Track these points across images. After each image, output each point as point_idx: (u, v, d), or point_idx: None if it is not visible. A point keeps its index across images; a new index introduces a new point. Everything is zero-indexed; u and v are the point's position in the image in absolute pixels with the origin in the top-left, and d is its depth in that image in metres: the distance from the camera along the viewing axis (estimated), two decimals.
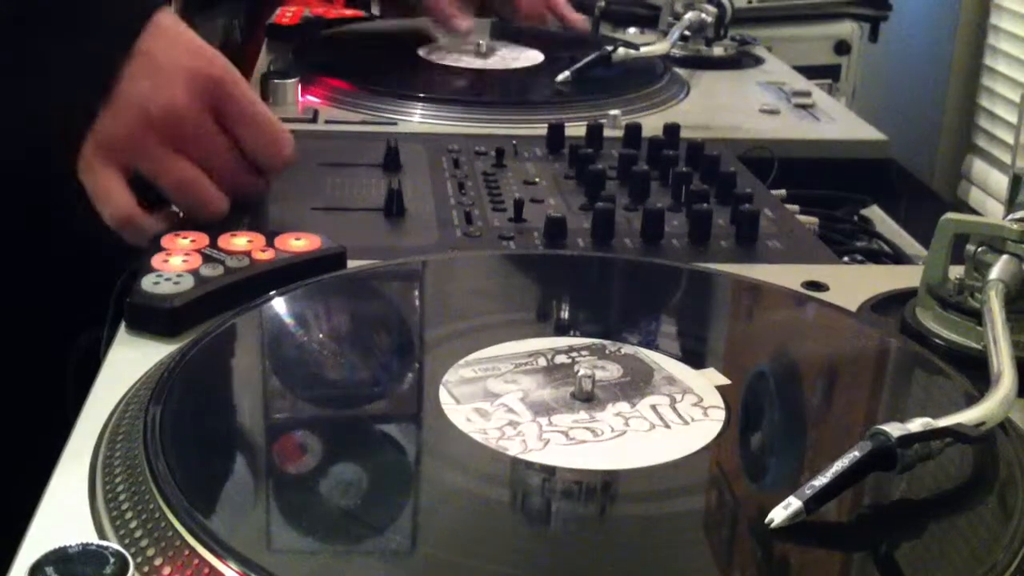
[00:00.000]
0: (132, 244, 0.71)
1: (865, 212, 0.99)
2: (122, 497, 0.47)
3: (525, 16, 1.36)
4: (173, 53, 0.71)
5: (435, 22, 1.27)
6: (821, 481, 0.46)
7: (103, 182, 0.71)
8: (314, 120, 1.00)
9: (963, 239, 0.64)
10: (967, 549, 0.47)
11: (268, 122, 0.75)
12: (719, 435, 0.53)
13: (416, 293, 0.71)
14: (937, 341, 0.63)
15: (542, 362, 0.58)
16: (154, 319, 0.61)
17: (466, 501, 0.48)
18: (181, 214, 0.74)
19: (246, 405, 0.56)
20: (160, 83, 0.70)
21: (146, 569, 0.43)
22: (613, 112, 1.03)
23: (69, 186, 0.72)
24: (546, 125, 0.97)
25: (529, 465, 0.50)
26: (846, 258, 0.85)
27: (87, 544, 0.40)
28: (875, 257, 0.88)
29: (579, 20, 1.36)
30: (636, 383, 0.57)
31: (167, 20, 0.72)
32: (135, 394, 0.55)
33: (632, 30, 1.61)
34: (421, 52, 1.21)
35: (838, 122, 1.08)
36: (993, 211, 2.28)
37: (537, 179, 0.89)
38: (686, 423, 0.54)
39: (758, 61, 1.31)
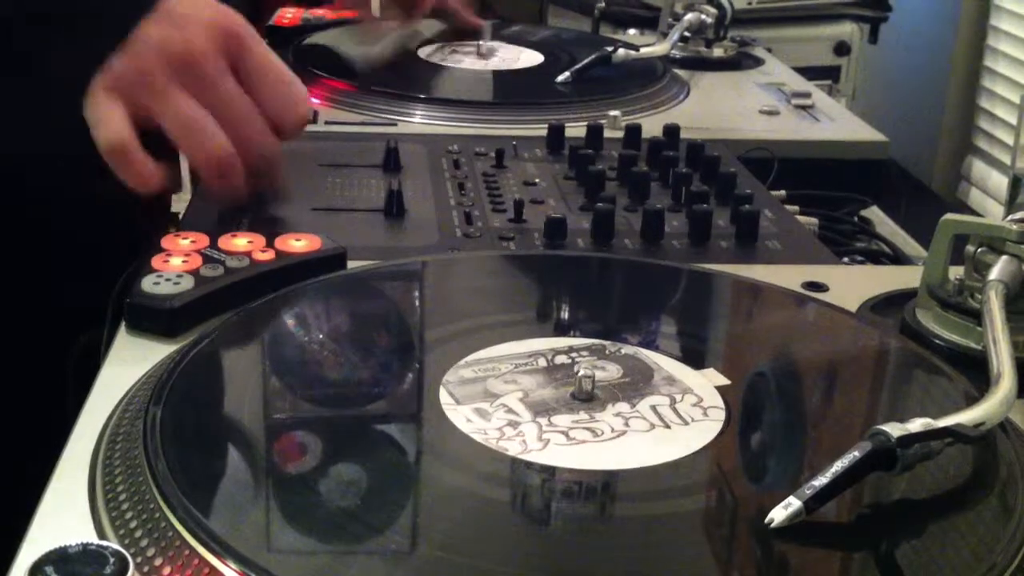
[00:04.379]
0: (131, 186, 0.70)
1: (865, 213, 0.99)
2: (122, 497, 0.47)
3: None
4: (194, 7, 0.71)
5: (452, 21, 1.27)
6: (821, 481, 0.46)
7: (104, 110, 0.69)
8: (314, 121, 1.00)
9: (963, 240, 0.64)
10: (967, 549, 0.47)
11: (285, 76, 0.74)
12: (719, 435, 0.53)
13: (416, 293, 0.71)
14: (937, 341, 0.63)
15: (542, 362, 0.59)
16: (154, 319, 0.61)
17: (466, 501, 0.48)
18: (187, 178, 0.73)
19: (246, 405, 0.56)
20: (178, 29, 0.70)
21: (146, 569, 0.43)
22: (613, 113, 1.03)
23: (71, 185, 0.72)
24: (546, 126, 0.97)
25: (529, 465, 0.50)
26: (846, 259, 0.85)
27: (87, 544, 0.40)
28: (875, 258, 0.88)
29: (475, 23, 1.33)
30: (636, 383, 0.57)
31: None
32: (135, 394, 0.55)
33: (632, 31, 1.61)
34: (421, 53, 1.22)
35: (838, 123, 1.08)
36: (993, 212, 2.28)
37: (537, 180, 0.89)
38: (686, 423, 0.54)
39: (758, 62, 1.31)
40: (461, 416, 0.53)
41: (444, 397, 0.55)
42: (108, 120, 0.69)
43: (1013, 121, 2.21)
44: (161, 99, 0.69)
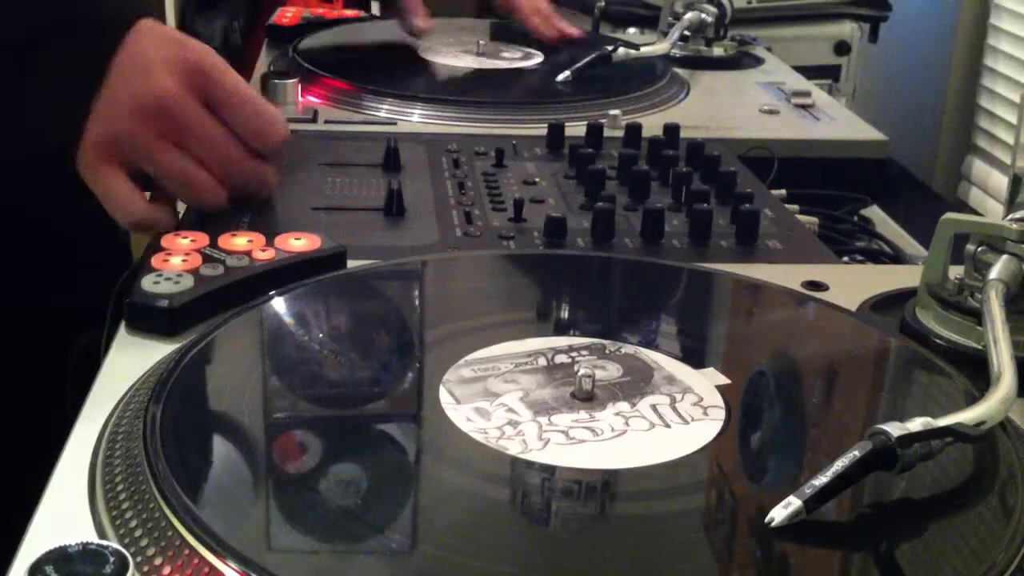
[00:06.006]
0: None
1: (865, 212, 0.99)
2: (122, 496, 0.47)
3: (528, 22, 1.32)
4: (152, 46, 0.71)
5: (400, 18, 1.27)
6: (821, 480, 0.46)
7: (108, 183, 0.71)
8: (314, 120, 1.00)
9: (963, 239, 0.64)
10: (967, 549, 0.47)
11: (254, 101, 0.75)
12: (719, 435, 0.53)
13: (416, 293, 0.71)
14: (937, 341, 0.63)
15: (542, 362, 0.58)
16: (154, 319, 0.61)
17: (466, 501, 0.48)
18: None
19: (246, 405, 0.56)
20: (144, 76, 0.70)
21: (146, 568, 0.43)
22: (613, 112, 1.03)
23: (70, 187, 0.72)
24: (546, 125, 0.97)
25: (529, 464, 0.50)
26: (846, 258, 0.85)
27: (87, 543, 0.40)
28: (875, 257, 0.88)
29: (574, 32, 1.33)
30: (636, 383, 0.57)
31: (147, 23, 0.73)
32: (135, 394, 0.55)
33: (632, 30, 1.61)
34: (421, 52, 1.21)
35: (838, 122, 1.08)
36: (993, 211, 2.28)
37: (537, 179, 0.89)
38: (686, 423, 0.54)
39: (758, 61, 1.31)
40: (461, 415, 0.53)
41: (444, 396, 0.55)
42: (117, 197, 0.71)
43: (1013, 120, 2.21)
44: (151, 159, 0.71)
